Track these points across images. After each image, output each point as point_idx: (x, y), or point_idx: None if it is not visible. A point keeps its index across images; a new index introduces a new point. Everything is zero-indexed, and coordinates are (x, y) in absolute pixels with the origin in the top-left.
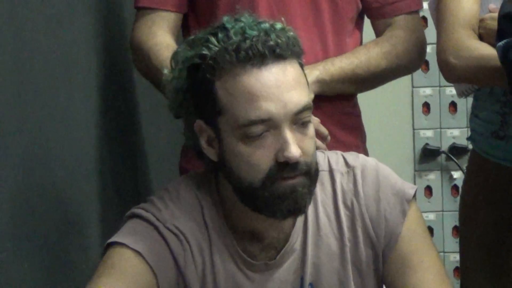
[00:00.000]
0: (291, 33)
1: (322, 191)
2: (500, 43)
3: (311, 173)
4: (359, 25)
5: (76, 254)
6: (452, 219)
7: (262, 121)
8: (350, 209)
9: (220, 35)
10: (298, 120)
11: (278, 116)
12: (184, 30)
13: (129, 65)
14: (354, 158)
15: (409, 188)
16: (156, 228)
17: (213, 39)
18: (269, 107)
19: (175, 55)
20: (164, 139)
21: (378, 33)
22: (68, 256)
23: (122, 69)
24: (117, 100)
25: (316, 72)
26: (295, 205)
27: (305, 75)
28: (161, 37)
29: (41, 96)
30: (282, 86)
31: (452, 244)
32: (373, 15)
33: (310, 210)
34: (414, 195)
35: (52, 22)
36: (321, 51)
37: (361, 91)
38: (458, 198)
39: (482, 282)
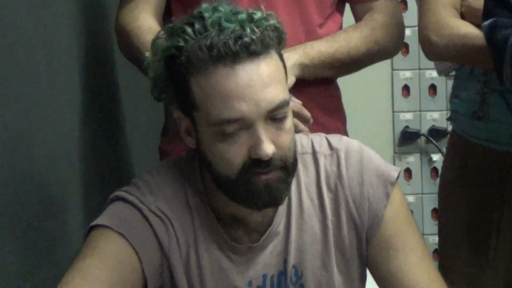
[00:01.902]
0: (272, 22)
1: (305, 174)
2: (486, 22)
3: (287, 167)
4: (340, 10)
5: (58, 237)
6: (431, 202)
7: (235, 120)
8: (334, 192)
9: (196, 25)
10: (273, 116)
11: (250, 115)
12: (166, 13)
13: (111, 47)
14: (338, 140)
15: (393, 171)
16: (140, 210)
17: (189, 30)
18: (242, 107)
19: (154, 43)
20: (145, 121)
21: (358, 18)
22: (50, 239)
23: (103, 51)
24: (98, 82)
25: (296, 55)
26: (270, 199)
27: (284, 67)
28: (143, 20)
29: (22, 79)
30: (255, 85)
31: (432, 226)
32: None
33: (293, 193)
34: (398, 178)
35: (34, 4)
36: (303, 33)
37: (341, 75)
38: (437, 180)
39: (460, 262)
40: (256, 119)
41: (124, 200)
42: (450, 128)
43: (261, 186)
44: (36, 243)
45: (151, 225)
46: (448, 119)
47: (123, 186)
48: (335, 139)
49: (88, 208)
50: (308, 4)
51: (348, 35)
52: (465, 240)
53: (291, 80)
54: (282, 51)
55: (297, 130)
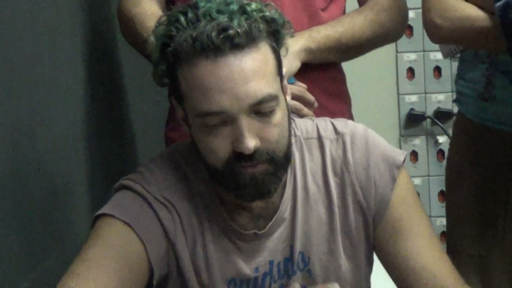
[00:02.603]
0: (266, 13)
1: (311, 159)
2: (499, 3)
3: (275, 160)
4: None
5: (64, 227)
6: (438, 184)
7: (216, 113)
8: (340, 177)
9: (189, 14)
10: (257, 110)
11: (231, 109)
12: (169, 3)
13: (114, 34)
14: (343, 124)
15: (399, 155)
16: (145, 199)
17: (182, 19)
18: (222, 100)
19: (155, 29)
20: (150, 108)
21: (361, 2)
22: (56, 229)
23: (107, 40)
24: (102, 70)
25: (302, 40)
26: (257, 191)
27: (277, 59)
28: (145, 5)
29: (26, 67)
30: (236, 78)
31: (438, 208)
32: None
33: (299, 178)
34: (404, 161)
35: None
36: (306, 17)
37: (347, 59)
38: (444, 162)
39: (468, 243)
40: (237, 113)
41: (129, 188)
42: (455, 110)
43: (247, 178)
44: (41, 233)
45: (156, 213)
46: (454, 101)
47: (129, 172)
48: (341, 123)
49: (93, 197)
50: None
51: (353, 19)
52: (472, 221)
53: (296, 65)
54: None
55: (301, 115)
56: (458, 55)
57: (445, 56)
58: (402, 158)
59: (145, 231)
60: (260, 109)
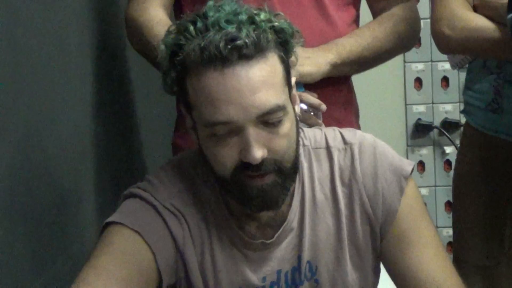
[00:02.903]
0: (275, 23)
1: (319, 168)
2: (511, 15)
3: (282, 170)
4: (356, 5)
5: (71, 233)
6: (444, 194)
7: (223, 123)
8: (347, 186)
9: (198, 24)
10: (265, 121)
11: (238, 119)
12: (176, 9)
13: (122, 41)
14: (352, 134)
15: (407, 165)
16: (154, 207)
17: (191, 28)
18: (229, 111)
19: (164, 37)
20: (157, 115)
21: (375, 10)
22: (63, 235)
23: (115, 47)
24: (111, 77)
25: (331, 55)
26: (264, 203)
27: (286, 70)
28: (153, 12)
29: (35, 74)
30: (244, 89)
31: (445, 219)
32: None
33: (307, 188)
34: (412, 172)
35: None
36: (322, 22)
37: (362, 71)
38: (451, 173)
39: (475, 254)
40: (244, 124)
41: (138, 196)
42: (463, 120)
43: (254, 190)
44: (49, 239)
45: (165, 221)
46: (461, 111)
47: (136, 182)
48: (349, 133)
49: (101, 203)
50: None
51: (374, 33)
52: (479, 232)
53: (316, 77)
54: (312, 49)
55: (309, 124)
56: (467, 65)
57: (453, 66)
58: (410, 169)
59: (154, 239)
60: (268, 120)
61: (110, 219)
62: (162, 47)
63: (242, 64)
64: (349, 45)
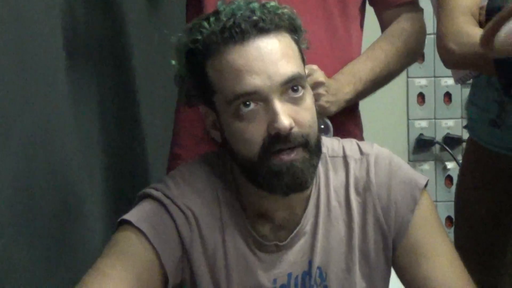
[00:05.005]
0: (285, 10)
1: (335, 176)
2: None
3: (309, 145)
4: (362, 10)
5: (76, 240)
6: (445, 210)
7: (249, 94)
8: (362, 196)
9: (211, 18)
10: (288, 90)
11: (263, 88)
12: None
13: (126, 55)
14: (369, 146)
15: (421, 178)
16: (164, 206)
17: (205, 24)
18: (254, 80)
19: (175, 44)
20: (161, 125)
21: (384, 23)
22: (68, 242)
23: (119, 61)
24: (116, 91)
25: (349, 93)
26: (294, 181)
27: (300, 52)
28: None
29: (41, 84)
30: (265, 59)
31: None
32: (379, 3)
33: (322, 194)
34: (426, 186)
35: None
36: (326, 31)
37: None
38: (452, 188)
39: (476, 271)
40: (270, 92)
41: (150, 196)
42: (465, 136)
43: (284, 167)
44: (52, 249)
45: (174, 221)
46: (464, 126)
47: (139, 189)
48: (366, 145)
49: (105, 211)
50: (333, 6)
51: (386, 55)
52: (481, 249)
53: (334, 111)
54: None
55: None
56: (470, 80)
57: (457, 81)
58: (424, 182)
59: (159, 240)
60: (292, 88)
61: (122, 217)
62: (176, 53)
63: (261, 37)
64: (365, 75)
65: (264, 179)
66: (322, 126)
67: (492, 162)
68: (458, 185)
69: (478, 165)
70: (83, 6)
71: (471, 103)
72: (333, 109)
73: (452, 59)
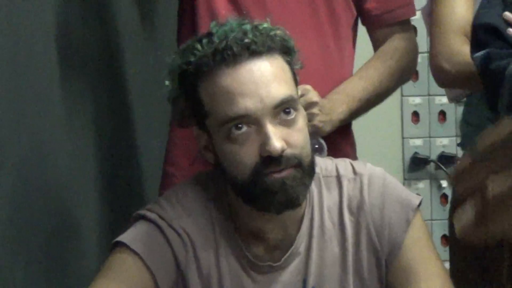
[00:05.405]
0: (278, 31)
1: (328, 197)
2: (478, 54)
3: (302, 165)
4: (355, 29)
5: (73, 258)
6: (441, 228)
7: (241, 117)
8: (355, 215)
9: (204, 40)
10: (280, 113)
11: (255, 111)
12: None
13: (121, 74)
14: (362, 166)
15: (414, 198)
16: (159, 227)
17: (198, 45)
18: (246, 102)
19: (169, 65)
20: (157, 146)
21: (377, 42)
22: (65, 260)
23: (115, 79)
24: (111, 110)
25: (342, 113)
26: (286, 198)
27: (293, 73)
28: None
29: (36, 104)
30: (258, 81)
31: (441, 253)
32: (372, 22)
33: (316, 214)
34: (419, 205)
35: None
36: (319, 51)
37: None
38: (447, 206)
39: (471, 286)
40: (262, 115)
41: (145, 218)
42: (459, 154)
43: (276, 184)
44: (51, 264)
45: (168, 242)
46: (458, 144)
47: (135, 209)
48: (360, 165)
49: (100, 232)
50: (326, 24)
51: (380, 75)
52: (477, 264)
53: (329, 130)
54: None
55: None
56: (464, 99)
57: (451, 100)
58: (417, 202)
59: (155, 262)
60: (284, 110)
61: (117, 238)
62: (167, 82)
63: (253, 60)
64: (359, 94)
65: (257, 198)
66: (317, 146)
67: None
68: (452, 203)
69: None
70: (79, 27)
71: (465, 121)
72: (327, 128)
73: (446, 79)
